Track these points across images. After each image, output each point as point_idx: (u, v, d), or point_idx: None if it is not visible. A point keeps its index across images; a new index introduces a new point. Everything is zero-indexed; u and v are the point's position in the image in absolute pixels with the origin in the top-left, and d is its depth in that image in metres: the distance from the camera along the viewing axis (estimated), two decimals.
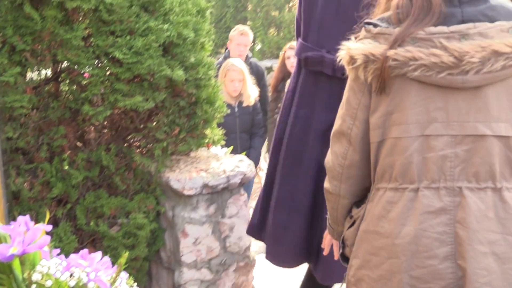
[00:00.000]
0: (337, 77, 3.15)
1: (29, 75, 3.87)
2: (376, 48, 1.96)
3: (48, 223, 2.16)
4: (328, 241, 2.91)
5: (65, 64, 3.90)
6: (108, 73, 3.81)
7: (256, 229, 3.74)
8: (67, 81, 3.98)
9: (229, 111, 4.55)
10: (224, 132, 4.51)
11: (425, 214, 1.94)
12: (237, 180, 4.07)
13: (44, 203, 3.81)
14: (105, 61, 3.80)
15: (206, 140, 4.33)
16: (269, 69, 10.34)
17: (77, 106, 3.81)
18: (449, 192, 1.94)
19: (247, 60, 7.30)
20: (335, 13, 3.19)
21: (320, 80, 3.38)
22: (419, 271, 1.96)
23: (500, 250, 1.91)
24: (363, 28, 2.09)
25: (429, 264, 1.94)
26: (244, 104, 6.45)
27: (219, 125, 4.46)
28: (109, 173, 3.97)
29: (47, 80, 3.97)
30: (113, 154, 3.92)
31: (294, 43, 6.52)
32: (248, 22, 11.36)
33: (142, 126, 4.07)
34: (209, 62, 4.20)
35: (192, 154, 4.39)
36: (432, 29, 1.91)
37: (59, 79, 4.00)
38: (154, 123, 4.05)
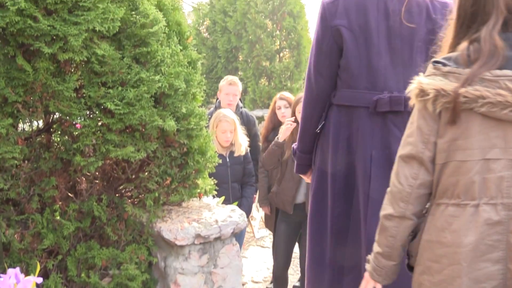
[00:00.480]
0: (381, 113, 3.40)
1: (20, 126, 3.86)
2: (447, 85, 2.29)
3: (38, 275, 2.14)
4: (366, 285, 2.85)
5: (57, 115, 3.89)
6: (99, 123, 3.80)
7: None
8: (59, 132, 3.96)
9: (220, 161, 4.55)
10: (215, 182, 4.50)
11: (484, 226, 2.29)
12: (229, 230, 4.03)
13: (35, 254, 3.75)
14: (97, 112, 3.80)
15: (198, 190, 4.30)
16: (260, 119, 10.39)
17: (69, 156, 3.79)
18: (505, 207, 2.28)
19: (238, 109, 7.33)
20: (390, 61, 3.35)
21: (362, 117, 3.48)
22: (476, 273, 2.30)
23: None
24: (430, 66, 2.43)
25: (484, 267, 2.29)
26: (236, 154, 6.46)
27: (210, 175, 4.44)
28: (100, 224, 3.93)
29: (39, 131, 3.95)
30: (104, 205, 3.89)
31: (284, 93, 6.56)
32: (239, 72, 11.44)
33: (133, 176, 4.05)
34: (200, 112, 4.21)
35: (184, 204, 4.37)
36: (498, 72, 2.23)
37: (51, 130, 3.99)
38: (146, 174, 4.03)
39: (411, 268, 2.69)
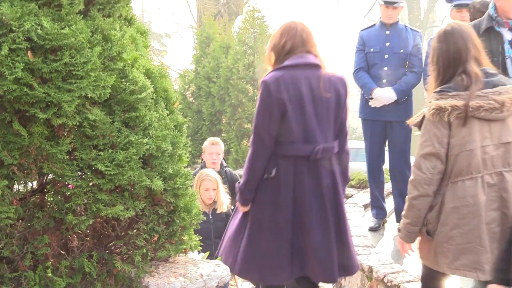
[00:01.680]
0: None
1: (16, 187, 3.85)
2: (457, 102, 3.29)
3: None
4: (403, 247, 4.00)
5: (50, 176, 3.89)
6: (91, 184, 3.80)
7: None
8: (52, 192, 3.96)
9: (204, 218, 4.55)
10: (200, 238, 4.49)
11: (487, 188, 3.43)
12: (214, 284, 4.01)
13: None
14: (89, 173, 3.81)
15: (184, 246, 4.29)
16: None
17: (61, 215, 3.78)
18: (497, 174, 3.44)
19: (222, 168, 7.34)
20: (316, 121, 4.12)
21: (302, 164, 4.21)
22: (487, 219, 3.43)
23: None
24: (435, 94, 3.45)
25: (490, 214, 3.45)
26: (218, 211, 6.48)
27: (195, 231, 4.44)
28: (91, 279, 3.89)
29: (33, 192, 3.94)
30: (95, 261, 3.86)
31: None
32: (223, 134, 11.49)
33: (123, 233, 4.03)
34: (186, 172, 4.23)
35: (171, 259, 4.34)
36: (484, 90, 3.35)
37: (45, 190, 3.98)
38: (135, 231, 4.02)
39: (428, 233, 3.68)
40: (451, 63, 3.38)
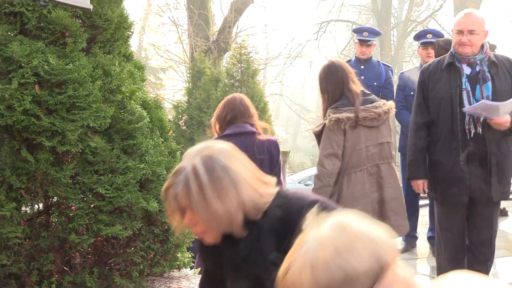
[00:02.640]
0: None
1: (23, 208, 3.85)
2: (349, 114, 3.84)
3: None
4: None
5: (55, 199, 3.89)
6: (92, 206, 3.81)
7: None
8: (57, 214, 3.95)
9: (196, 236, 4.55)
10: (192, 255, 4.48)
11: (369, 176, 4.01)
12: None
13: None
14: (90, 195, 3.82)
15: (178, 262, 4.29)
16: None
17: (65, 235, 3.78)
18: (374, 166, 4.03)
19: None
20: None
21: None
22: (370, 198, 4.04)
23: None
24: (332, 110, 3.90)
25: (372, 195, 4.04)
26: None
27: (188, 249, 4.44)
28: None
29: (39, 213, 3.94)
30: (96, 277, 3.85)
31: None
32: None
33: (121, 251, 4.02)
34: None
35: (166, 274, 4.34)
36: (366, 106, 3.92)
37: (50, 212, 3.98)
38: (132, 249, 4.01)
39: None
40: (337, 86, 3.97)
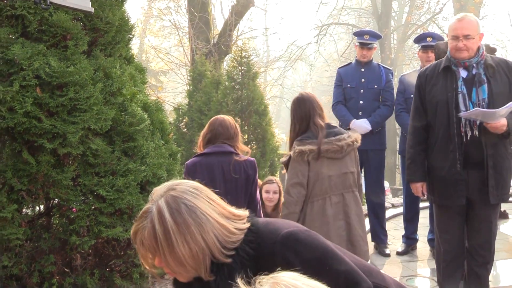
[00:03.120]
0: None
1: (24, 210, 3.86)
2: (312, 147, 3.93)
3: None
4: None
5: (56, 200, 3.90)
6: (93, 207, 3.82)
7: None
8: (58, 215, 3.96)
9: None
10: None
11: (334, 204, 4.03)
12: None
13: None
14: (91, 197, 3.82)
15: None
16: None
17: (66, 236, 3.78)
18: (338, 195, 4.05)
19: None
20: (225, 197, 4.29)
21: None
22: (335, 226, 4.04)
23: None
24: (298, 142, 3.96)
25: (337, 223, 4.03)
26: None
27: None
28: None
29: (40, 215, 3.95)
30: (96, 278, 3.85)
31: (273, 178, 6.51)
32: None
33: (122, 253, 4.03)
34: None
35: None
36: (330, 138, 3.96)
37: (51, 213, 3.99)
38: (133, 250, 4.02)
39: None
40: (304, 119, 4.11)
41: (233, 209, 1.88)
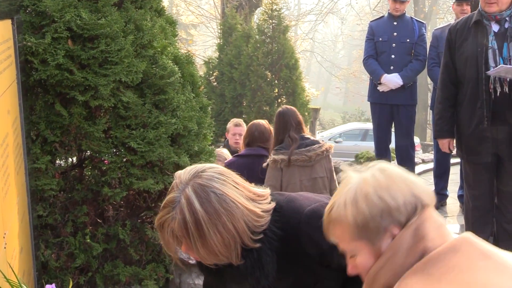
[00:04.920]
0: None
1: (58, 162, 3.91)
2: (284, 156, 4.39)
3: None
4: None
5: (88, 152, 3.94)
6: (124, 160, 3.85)
7: None
8: (90, 167, 4.01)
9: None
10: None
11: None
12: None
13: (69, 272, 3.77)
14: (122, 150, 3.85)
15: None
16: None
17: (98, 188, 3.83)
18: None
19: None
20: None
21: None
22: None
23: None
24: (274, 151, 4.50)
25: None
26: None
27: None
28: (124, 245, 3.95)
29: (73, 166, 4.00)
30: (128, 229, 3.91)
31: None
32: (244, 116, 11.47)
33: (153, 205, 4.07)
34: (210, 150, 4.26)
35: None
36: (301, 149, 4.41)
37: (83, 165, 4.03)
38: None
39: None
40: (282, 131, 4.57)
41: (256, 189, 1.85)
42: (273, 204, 1.85)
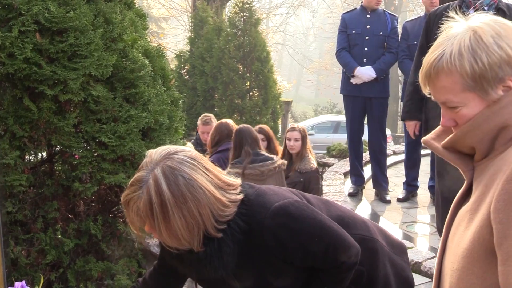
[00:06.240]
0: None
1: (27, 157, 3.86)
2: (238, 170, 4.56)
3: (42, 287, 2.12)
4: None
5: (58, 147, 3.89)
6: (95, 154, 3.81)
7: None
8: (60, 162, 3.96)
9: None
10: None
11: None
12: None
13: (39, 268, 3.73)
14: (93, 144, 3.81)
15: None
16: None
17: (69, 183, 3.79)
18: None
19: None
20: None
21: None
22: None
23: None
24: (231, 165, 4.69)
25: None
26: None
27: None
28: (96, 241, 3.92)
29: (42, 161, 3.95)
30: (100, 224, 3.88)
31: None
32: (215, 109, 11.45)
33: None
34: (182, 144, 4.24)
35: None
36: (254, 165, 4.66)
37: (53, 160, 3.99)
38: None
39: None
40: (238, 147, 4.80)
41: (226, 178, 1.84)
42: (241, 196, 1.84)
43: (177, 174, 1.69)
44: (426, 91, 1.52)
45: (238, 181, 1.89)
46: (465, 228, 1.41)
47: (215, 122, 7.27)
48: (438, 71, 1.43)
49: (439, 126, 1.60)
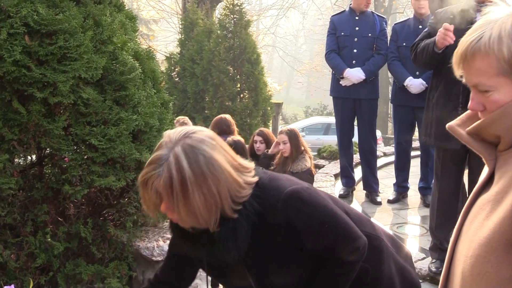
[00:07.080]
0: None
1: (16, 160, 3.83)
2: None
3: None
4: None
5: (48, 150, 3.87)
6: (85, 157, 3.80)
7: None
8: (50, 165, 3.94)
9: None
10: None
11: None
12: None
13: (29, 272, 3.70)
14: (83, 147, 3.80)
15: None
16: None
17: (59, 186, 3.77)
18: None
19: None
20: None
21: None
22: None
23: None
24: None
25: None
26: None
27: None
28: (86, 244, 3.90)
29: (32, 164, 3.93)
30: (90, 227, 3.86)
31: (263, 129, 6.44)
32: (206, 111, 11.44)
33: (115, 202, 4.03)
34: None
35: (159, 225, 4.36)
36: None
37: (43, 163, 3.97)
38: (126, 199, 4.02)
39: None
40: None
41: (241, 160, 1.84)
42: (256, 178, 1.85)
43: (197, 152, 1.68)
44: (458, 73, 1.50)
45: (252, 164, 1.90)
46: (485, 218, 1.41)
47: (190, 123, 7.25)
48: (475, 53, 1.42)
49: (465, 113, 1.59)
